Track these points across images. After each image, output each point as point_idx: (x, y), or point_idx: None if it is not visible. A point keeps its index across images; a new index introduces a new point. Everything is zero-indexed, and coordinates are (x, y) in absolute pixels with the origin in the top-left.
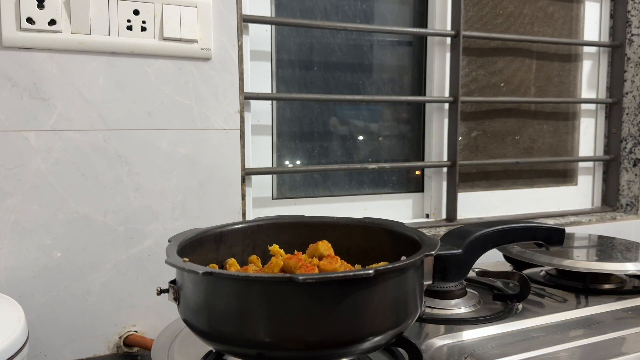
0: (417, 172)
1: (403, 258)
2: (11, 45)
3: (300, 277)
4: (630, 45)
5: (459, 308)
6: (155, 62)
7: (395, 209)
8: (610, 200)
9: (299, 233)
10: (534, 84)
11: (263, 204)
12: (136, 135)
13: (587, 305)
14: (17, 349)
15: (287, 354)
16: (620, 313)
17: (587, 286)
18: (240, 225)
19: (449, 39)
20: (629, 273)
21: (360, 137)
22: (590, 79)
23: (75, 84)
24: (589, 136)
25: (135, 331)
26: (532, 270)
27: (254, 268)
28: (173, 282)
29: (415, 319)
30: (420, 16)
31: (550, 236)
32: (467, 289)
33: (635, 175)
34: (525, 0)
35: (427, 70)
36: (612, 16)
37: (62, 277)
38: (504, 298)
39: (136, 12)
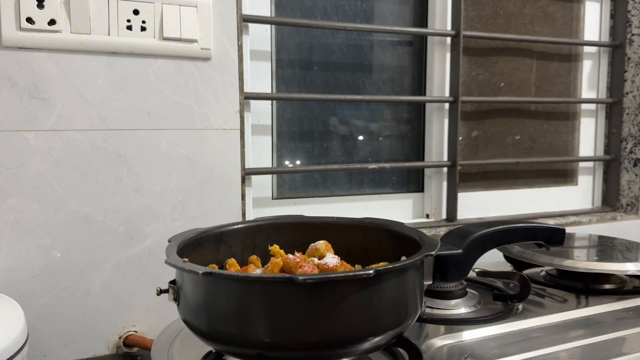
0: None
1: (403, 258)
2: (11, 45)
3: (300, 277)
4: (631, 45)
5: (459, 308)
6: (155, 62)
7: (395, 209)
8: (611, 200)
9: (299, 233)
10: (534, 84)
11: (263, 204)
12: (136, 135)
13: (587, 305)
14: (17, 349)
15: (287, 354)
16: (621, 313)
17: (587, 286)
18: (240, 225)
19: (449, 39)
20: (629, 273)
21: (360, 137)
22: (590, 79)
23: (75, 84)
24: (589, 136)
25: (135, 331)
26: (532, 271)
27: (254, 268)
28: (173, 282)
29: (415, 319)
30: (421, 16)
31: (550, 236)
32: (468, 289)
33: (636, 175)
34: (525, 0)
35: (427, 70)
36: (612, 16)
37: (62, 277)
38: (504, 298)
39: (136, 12)
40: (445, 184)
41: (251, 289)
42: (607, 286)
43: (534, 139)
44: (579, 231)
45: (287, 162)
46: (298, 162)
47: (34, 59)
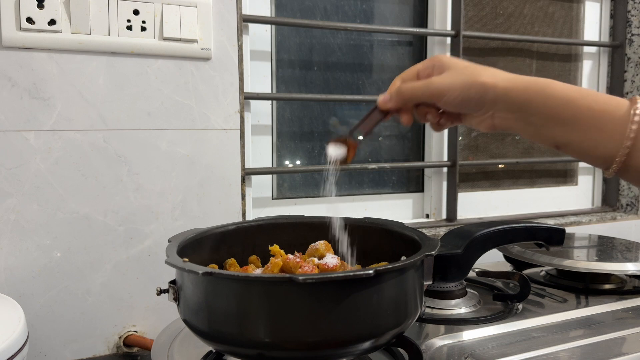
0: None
1: (403, 258)
2: (11, 45)
3: (300, 277)
4: (631, 45)
5: (459, 308)
6: (155, 62)
7: (395, 209)
8: (611, 200)
9: (299, 233)
10: None
11: (263, 204)
12: (136, 135)
13: (587, 305)
14: (17, 349)
15: (287, 354)
16: (621, 313)
17: (587, 286)
18: (240, 225)
19: (449, 39)
20: (629, 273)
21: (360, 137)
22: (590, 79)
23: (75, 84)
24: None
25: (135, 331)
26: (532, 270)
27: (254, 268)
28: (173, 282)
29: (415, 319)
30: (420, 16)
31: (550, 236)
32: (467, 289)
33: None
34: (525, 0)
35: None
36: (612, 16)
37: (62, 277)
38: (504, 298)
39: (136, 12)
40: (445, 184)
41: (251, 289)
42: (607, 286)
43: None
44: (579, 231)
45: (287, 162)
46: (298, 162)
47: (34, 59)
